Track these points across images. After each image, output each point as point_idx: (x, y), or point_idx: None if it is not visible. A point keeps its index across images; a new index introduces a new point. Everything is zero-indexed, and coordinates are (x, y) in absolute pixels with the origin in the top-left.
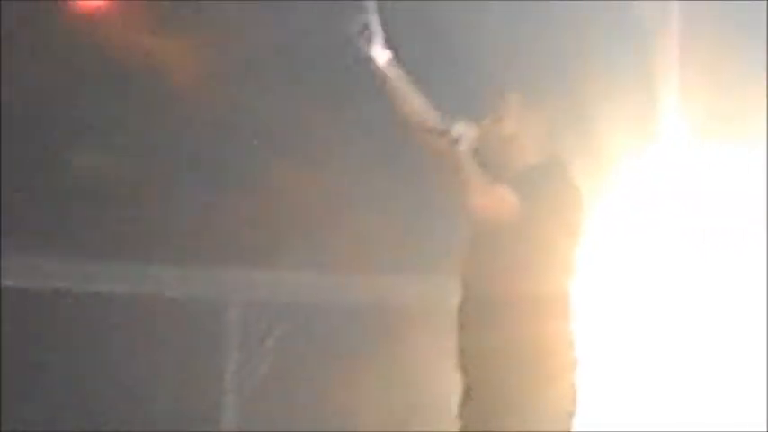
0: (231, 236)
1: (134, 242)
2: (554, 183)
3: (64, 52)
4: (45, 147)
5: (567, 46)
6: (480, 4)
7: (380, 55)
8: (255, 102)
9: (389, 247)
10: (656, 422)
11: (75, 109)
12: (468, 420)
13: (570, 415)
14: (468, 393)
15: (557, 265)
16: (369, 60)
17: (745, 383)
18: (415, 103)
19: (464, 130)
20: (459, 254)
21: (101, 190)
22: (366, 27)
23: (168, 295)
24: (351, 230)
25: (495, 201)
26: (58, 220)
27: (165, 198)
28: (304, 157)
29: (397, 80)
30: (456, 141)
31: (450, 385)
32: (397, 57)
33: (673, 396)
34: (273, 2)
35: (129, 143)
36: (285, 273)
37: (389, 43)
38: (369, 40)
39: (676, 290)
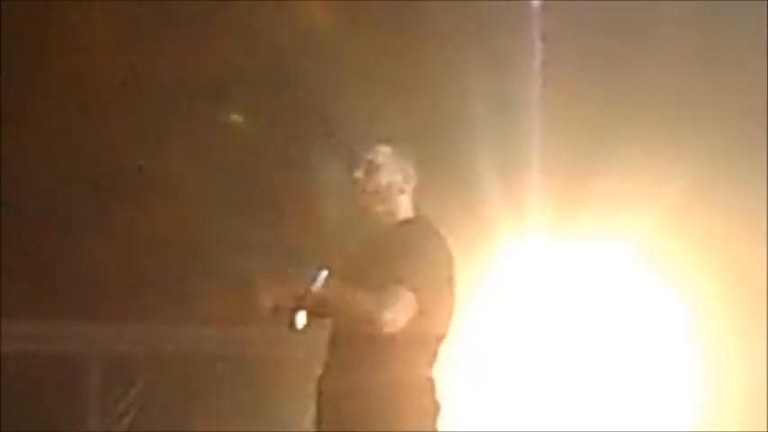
0: (90, 288)
1: None
2: (427, 238)
3: None
4: None
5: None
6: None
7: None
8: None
9: (251, 298)
10: None
11: None
12: None
13: None
14: None
15: (427, 313)
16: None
17: None
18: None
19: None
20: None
21: None
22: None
23: (27, 350)
24: (209, 281)
25: (401, 309)
26: None
27: (21, 250)
28: (165, 207)
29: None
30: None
31: None
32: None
33: None
34: None
35: None
36: (145, 325)
37: None
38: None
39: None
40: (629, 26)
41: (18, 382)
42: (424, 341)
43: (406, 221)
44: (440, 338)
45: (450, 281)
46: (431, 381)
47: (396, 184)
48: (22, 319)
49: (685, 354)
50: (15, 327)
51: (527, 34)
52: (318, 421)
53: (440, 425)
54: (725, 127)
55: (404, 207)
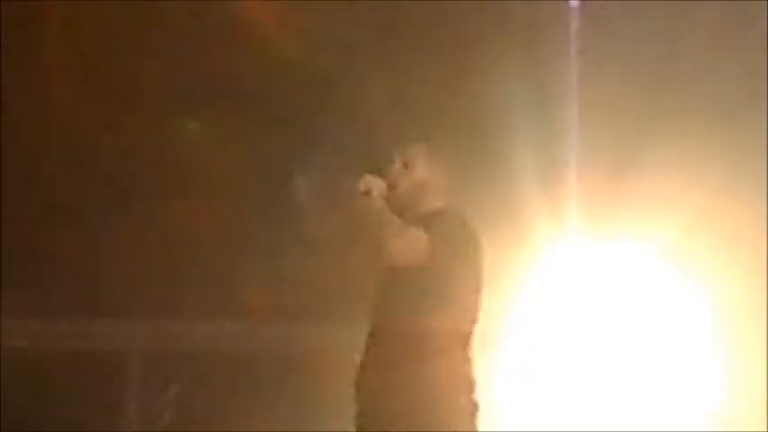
0: (129, 285)
1: (31, 296)
2: (456, 227)
3: None
4: None
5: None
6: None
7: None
8: (155, 140)
9: (290, 295)
10: None
11: None
12: None
13: None
14: None
15: (459, 307)
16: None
17: None
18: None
19: (371, 183)
20: (364, 298)
21: None
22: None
23: (67, 348)
24: (251, 278)
25: (409, 242)
26: None
27: (62, 248)
28: (206, 204)
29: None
30: (366, 193)
31: None
32: None
33: None
34: None
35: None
36: (185, 322)
37: None
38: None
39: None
40: (666, 28)
41: (58, 380)
42: (456, 335)
43: (436, 211)
44: (470, 333)
45: (476, 266)
46: (468, 379)
47: (428, 181)
48: (62, 317)
49: (719, 353)
50: (56, 325)
51: (564, 37)
52: (358, 418)
53: (479, 424)
54: (759, 128)
55: (433, 197)
